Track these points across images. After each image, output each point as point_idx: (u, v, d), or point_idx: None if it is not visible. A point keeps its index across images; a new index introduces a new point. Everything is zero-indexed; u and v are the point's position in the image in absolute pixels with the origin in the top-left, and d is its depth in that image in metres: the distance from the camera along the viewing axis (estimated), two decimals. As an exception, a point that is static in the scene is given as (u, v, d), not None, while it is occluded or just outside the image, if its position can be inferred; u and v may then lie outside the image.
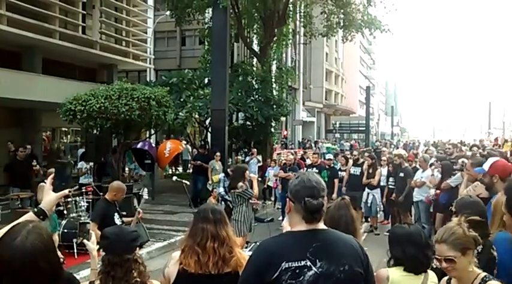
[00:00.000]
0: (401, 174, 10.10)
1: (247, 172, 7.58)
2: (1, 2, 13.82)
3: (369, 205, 10.77)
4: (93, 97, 10.55)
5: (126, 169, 14.67)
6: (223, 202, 9.35)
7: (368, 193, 10.82)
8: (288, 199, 2.27)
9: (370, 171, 10.86)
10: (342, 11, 19.07)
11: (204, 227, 2.92)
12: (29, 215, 2.18)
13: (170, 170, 21.87)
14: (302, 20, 22.26)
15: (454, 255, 2.41)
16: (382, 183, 10.84)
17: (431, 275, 2.96)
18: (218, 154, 12.56)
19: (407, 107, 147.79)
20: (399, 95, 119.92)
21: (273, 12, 17.79)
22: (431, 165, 9.71)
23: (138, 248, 2.59)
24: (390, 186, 10.46)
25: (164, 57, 28.40)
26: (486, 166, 4.58)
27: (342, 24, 19.75)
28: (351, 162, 11.80)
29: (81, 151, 15.13)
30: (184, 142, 20.24)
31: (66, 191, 2.46)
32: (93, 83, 15.72)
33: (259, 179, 14.31)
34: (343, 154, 14.48)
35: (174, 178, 9.93)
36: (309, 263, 2.07)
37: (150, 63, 23.60)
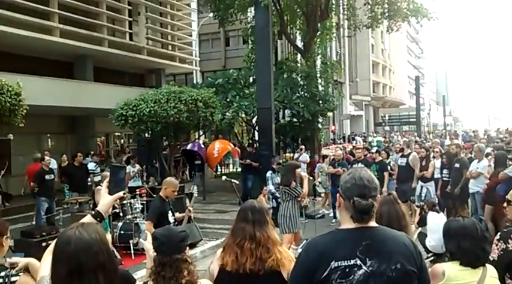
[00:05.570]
0: (457, 165, 9.67)
1: (298, 169, 7.50)
2: (53, 15, 14.46)
3: (422, 198, 10.45)
4: (143, 101, 10.86)
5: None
6: (273, 200, 9.33)
7: (422, 186, 10.48)
8: (338, 195, 2.24)
9: (424, 163, 10.53)
10: (387, 0, 18.62)
11: (243, 228, 2.97)
12: (88, 218, 2.28)
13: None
14: (345, 12, 21.86)
15: None
16: (436, 175, 10.49)
17: (491, 270, 2.85)
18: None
19: (460, 96, 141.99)
20: (450, 84, 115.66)
21: (315, 6, 17.63)
22: (487, 154, 9.29)
23: (188, 248, 2.64)
24: (444, 178, 10.08)
25: (209, 59, 28.76)
26: None
27: (386, 14, 19.28)
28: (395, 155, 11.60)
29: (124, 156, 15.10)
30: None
31: (120, 193, 2.50)
32: (142, 88, 16.14)
33: (310, 177, 14.22)
34: (384, 148, 14.20)
35: (224, 177, 10.03)
36: (358, 262, 2.03)
37: (196, 66, 23.95)
